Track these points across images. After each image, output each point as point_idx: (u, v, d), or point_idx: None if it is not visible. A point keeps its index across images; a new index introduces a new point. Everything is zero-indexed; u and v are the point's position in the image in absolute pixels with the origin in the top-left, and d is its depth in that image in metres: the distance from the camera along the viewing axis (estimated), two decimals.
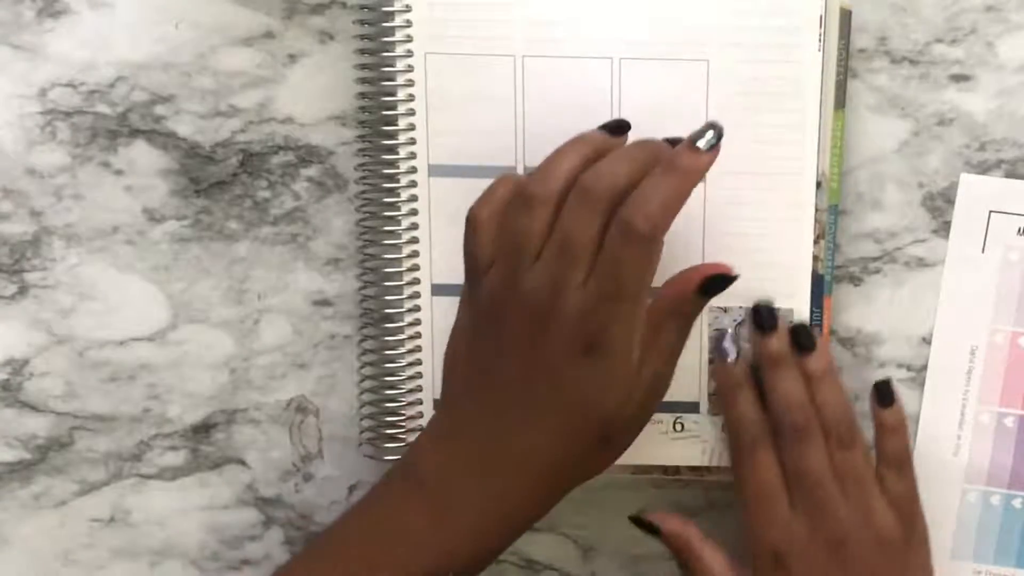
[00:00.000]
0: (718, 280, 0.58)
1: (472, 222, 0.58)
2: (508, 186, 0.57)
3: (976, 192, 0.66)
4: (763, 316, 0.61)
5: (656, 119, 0.63)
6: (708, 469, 0.66)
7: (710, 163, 0.55)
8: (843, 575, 0.61)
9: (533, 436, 0.57)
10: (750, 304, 0.62)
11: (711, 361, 0.65)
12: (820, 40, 0.62)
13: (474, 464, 0.58)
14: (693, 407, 0.65)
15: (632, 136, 0.60)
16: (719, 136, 0.55)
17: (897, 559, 0.62)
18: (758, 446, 0.61)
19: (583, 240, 0.55)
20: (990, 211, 0.66)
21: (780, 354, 0.61)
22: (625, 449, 0.60)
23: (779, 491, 0.61)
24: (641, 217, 0.54)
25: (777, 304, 0.63)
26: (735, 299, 0.64)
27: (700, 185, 0.63)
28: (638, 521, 0.64)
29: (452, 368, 0.60)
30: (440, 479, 0.58)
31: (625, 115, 0.62)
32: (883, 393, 0.63)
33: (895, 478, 0.62)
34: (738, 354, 0.62)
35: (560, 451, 0.57)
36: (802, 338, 0.61)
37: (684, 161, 0.55)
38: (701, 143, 0.55)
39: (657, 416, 0.65)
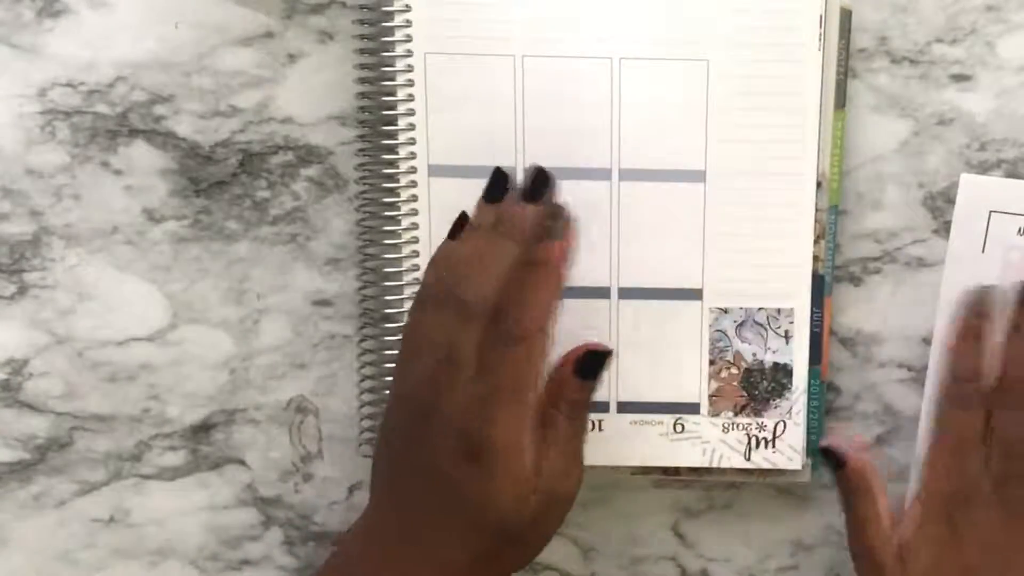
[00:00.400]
0: (591, 359, 0.58)
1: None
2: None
3: (976, 192, 0.66)
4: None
5: (656, 119, 0.63)
6: (708, 470, 0.66)
7: (566, 252, 0.56)
8: (1008, 549, 0.59)
9: (438, 536, 0.56)
10: (749, 305, 0.62)
11: (712, 362, 0.65)
12: (820, 40, 0.62)
13: (392, 562, 0.56)
14: (693, 408, 0.65)
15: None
16: (568, 222, 0.56)
17: None
18: (974, 399, 0.60)
19: (467, 348, 0.55)
20: (990, 211, 0.66)
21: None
22: (545, 542, 0.58)
23: (979, 446, 0.59)
24: (527, 320, 0.55)
25: (776, 304, 0.63)
26: (735, 299, 0.64)
27: (700, 185, 0.63)
28: (826, 452, 0.62)
29: (375, 456, 0.60)
30: (365, 574, 0.57)
31: (625, 115, 0.62)
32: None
33: None
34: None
35: (466, 552, 0.56)
36: None
37: (545, 258, 0.56)
38: (554, 234, 0.56)
39: (657, 417, 0.65)
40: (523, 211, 0.56)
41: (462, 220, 0.58)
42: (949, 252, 0.67)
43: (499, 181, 0.58)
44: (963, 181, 0.66)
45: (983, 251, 0.66)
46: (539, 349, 0.55)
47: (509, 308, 0.55)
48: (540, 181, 0.57)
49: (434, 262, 0.57)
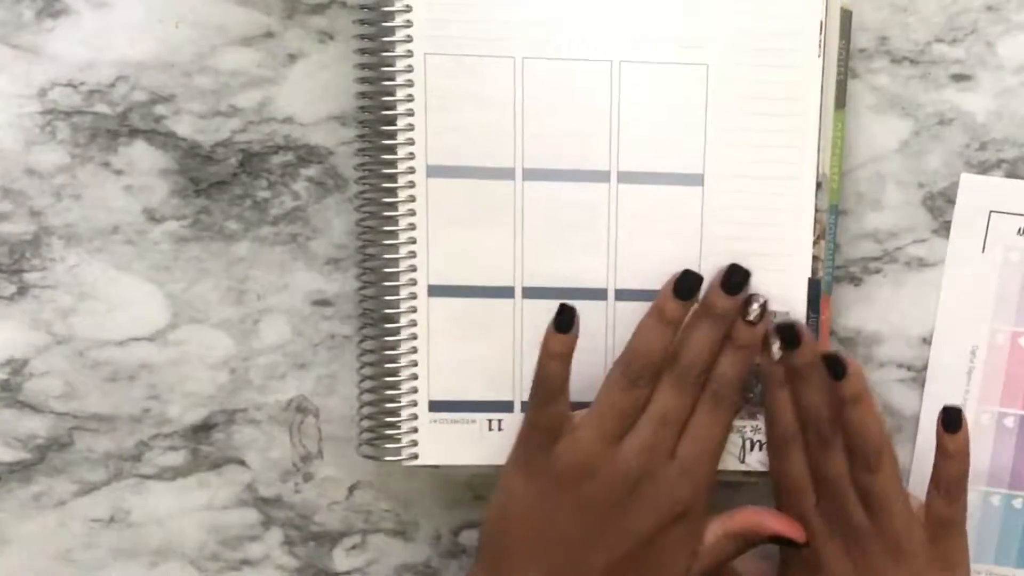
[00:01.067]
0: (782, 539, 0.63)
1: (550, 395, 0.61)
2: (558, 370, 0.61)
3: (976, 192, 0.66)
4: (789, 333, 0.62)
5: (655, 122, 0.63)
6: None
7: (763, 333, 0.62)
8: None
9: None
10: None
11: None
12: (820, 46, 0.62)
13: None
14: None
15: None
16: (764, 306, 0.62)
17: (911, 572, 0.62)
18: (792, 444, 0.63)
19: (682, 414, 0.61)
20: (990, 211, 0.66)
21: (805, 368, 0.61)
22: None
23: (806, 487, 0.63)
24: (727, 390, 0.62)
25: (773, 308, 0.63)
26: None
27: (698, 189, 0.63)
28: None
29: (504, 532, 0.62)
30: None
31: (624, 118, 0.62)
32: (951, 419, 0.62)
33: (942, 503, 0.62)
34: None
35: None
36: (834, 366, 0.60)
37: (744, 337, 0.61)
38: (751, 317, 0.61)
39: None
40: (728, 302, 0.61)
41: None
42: (949, 252, 0.67)
43: (692, 284, 0.62)
44: (963, 181, 0.66)
45: (983, 251, 0.67)
46: (729, 416, 0.63)
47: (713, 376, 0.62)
48: (740, 276, 0.61)
49: None
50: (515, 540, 0.62)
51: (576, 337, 0.61)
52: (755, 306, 0.61)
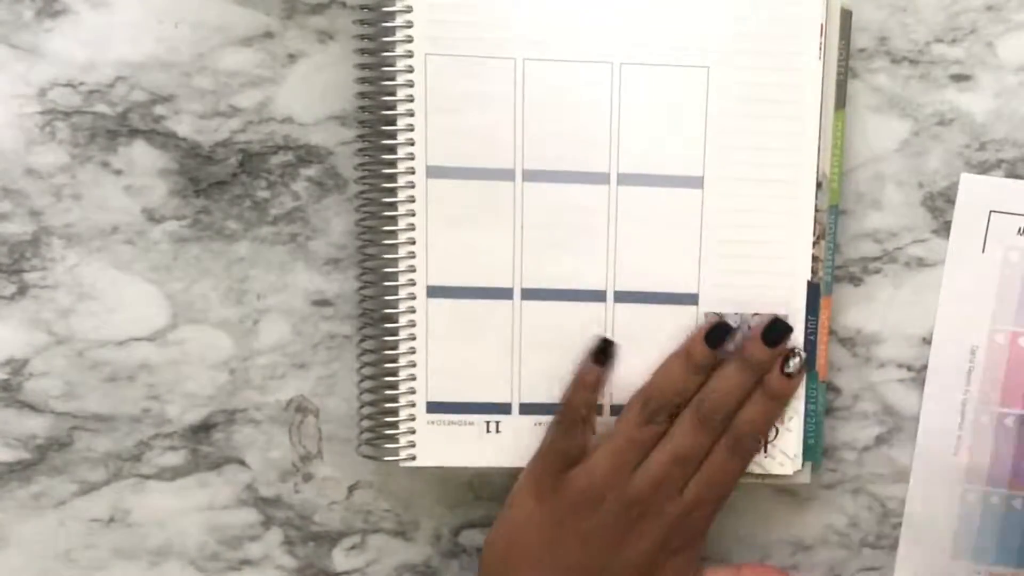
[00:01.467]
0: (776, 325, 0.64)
1: (575, 423, 0.63)
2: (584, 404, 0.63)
3: (976, 192, 0.66)
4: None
5: (656, 124, 0.63)
6: None
7: (798, 386, 0.64)
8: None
9: None
10: (744, 311, 0.64)
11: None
12: (821, 48, 0.62)
13: None
14: None
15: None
16: (803, 360, 0.63)
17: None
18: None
19: (698, 454, 0.62)
20: (990, 211, 0.66)
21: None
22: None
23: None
24: (749, 439, 0.63)
25: (771, 310, 0.63)
26: (731, 305, 0.64)
27: (698, 191, 0.63)
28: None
29: (509, 551, 0.63)
30: None
31: (624, 120, 0.62)
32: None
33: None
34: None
35: None
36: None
37: (778, 387, 0.63)
38: (790, 370, 0.63)
39: None
40: (765, 353, 0.63)
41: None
42: (949, 252, 0.67)
43: (721, 334, 0.63)
44: (963, 181, 0.66)
45: (983, 251, 0.67)
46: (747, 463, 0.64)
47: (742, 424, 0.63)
48: (781, 330, 0.63)
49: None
50: (518, 560, 0.63)
51: (611, 371, 0.63)
52: (796, 360, 0.63)
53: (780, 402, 0.64)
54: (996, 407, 0.68)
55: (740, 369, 0.63)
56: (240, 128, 0.66)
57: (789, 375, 0.63)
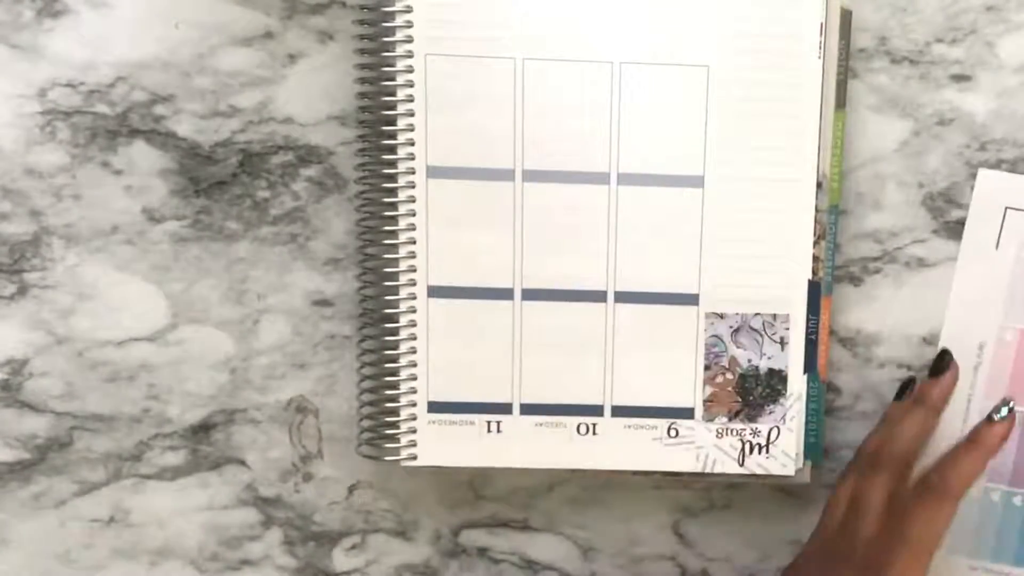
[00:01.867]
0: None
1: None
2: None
3: (992, 187, 0.66)
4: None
5: (656, 124, 0.63)
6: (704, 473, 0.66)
7: (1007, 435, 0.63)
8: None
9: None
10: (744, 311, 0.63)
11: (707, 367, 0.65)
12: (820, 48, 0.62)
13: None
14: (688, 413, 0.65)
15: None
16: (1011, 409, 0.63)
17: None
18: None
19: (876, 499, 0.63)
20: (1005, 207, 0.66)
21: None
22: None
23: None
24: (954, 480, 0.62)
25: (772, 310, 0.63)
26: (731, 305, 0.64)
27: (698, 191, 0.63)
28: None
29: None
30: None
31: (624, 120, 0.62)
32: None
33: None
34: None
35: None
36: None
37: (986, 437, 0.63)
38: (997, 416, 0.63)
39: (651, 421, 0.65)
40: (940, 389, 0.66)
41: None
42: (962, 247, 0.67)
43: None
44: (980, 176, 0.66)
45: (997, 247, 0.66)
46: (953, 514, 0.62)
47: (933, 465, 0.63)
48: (947, 360, 0.66)
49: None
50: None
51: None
52: (1004, 409, 0.63)
53: (988, 452, 0.63)
54: None
55: (922, 415, 0.65)
56: (240, 128, 0.66)
57: (997, 422, 0.63)
